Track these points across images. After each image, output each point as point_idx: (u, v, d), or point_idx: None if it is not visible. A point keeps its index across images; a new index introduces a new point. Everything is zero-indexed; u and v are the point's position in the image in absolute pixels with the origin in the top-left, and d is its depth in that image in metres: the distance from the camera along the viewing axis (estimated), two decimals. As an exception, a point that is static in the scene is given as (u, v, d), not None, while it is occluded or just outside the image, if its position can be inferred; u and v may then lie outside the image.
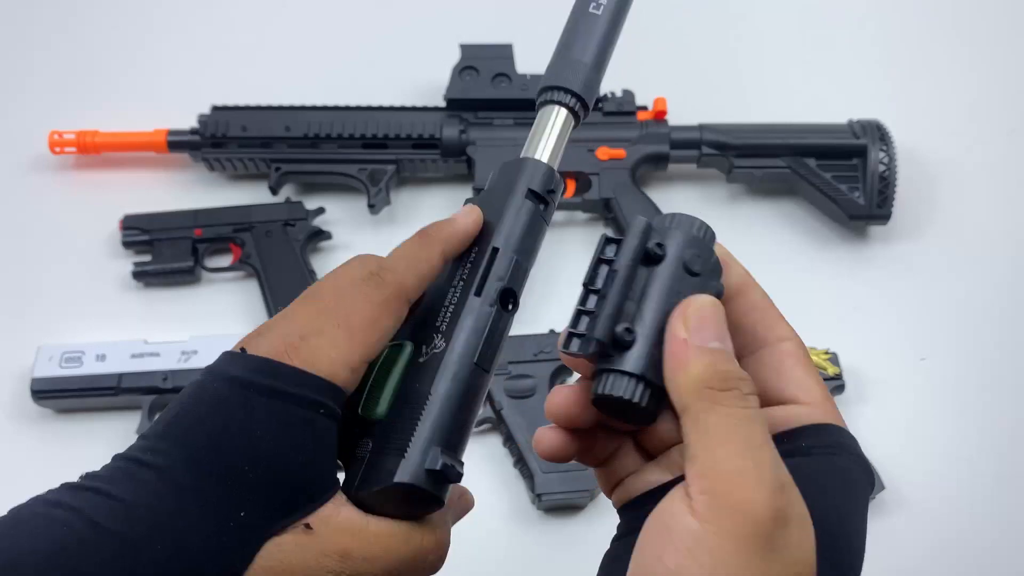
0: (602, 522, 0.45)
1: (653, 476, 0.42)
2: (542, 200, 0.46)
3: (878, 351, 0.95)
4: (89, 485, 0.37)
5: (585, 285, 0.40)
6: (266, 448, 0.38)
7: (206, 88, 1.07)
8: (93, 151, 1.03)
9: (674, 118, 1.03)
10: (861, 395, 0.93)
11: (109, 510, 0.36)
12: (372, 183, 1.01)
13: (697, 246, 0.39)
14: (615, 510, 0.44)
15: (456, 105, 1.03)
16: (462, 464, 0.41)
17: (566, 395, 0.42)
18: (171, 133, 1.02)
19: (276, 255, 0.97)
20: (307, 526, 0.38)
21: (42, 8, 1.17)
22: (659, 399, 0.38)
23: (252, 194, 1.04)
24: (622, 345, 0.38)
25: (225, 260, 1.01)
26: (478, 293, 0.44)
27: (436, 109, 1.03)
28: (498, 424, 0.89)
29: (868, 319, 0.98)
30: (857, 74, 1.14)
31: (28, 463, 0.87)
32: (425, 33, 1.14)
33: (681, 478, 0.36)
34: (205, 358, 0.88)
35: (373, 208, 1.00)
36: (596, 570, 0.42)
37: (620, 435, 0.44)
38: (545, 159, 0.47)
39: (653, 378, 0.38)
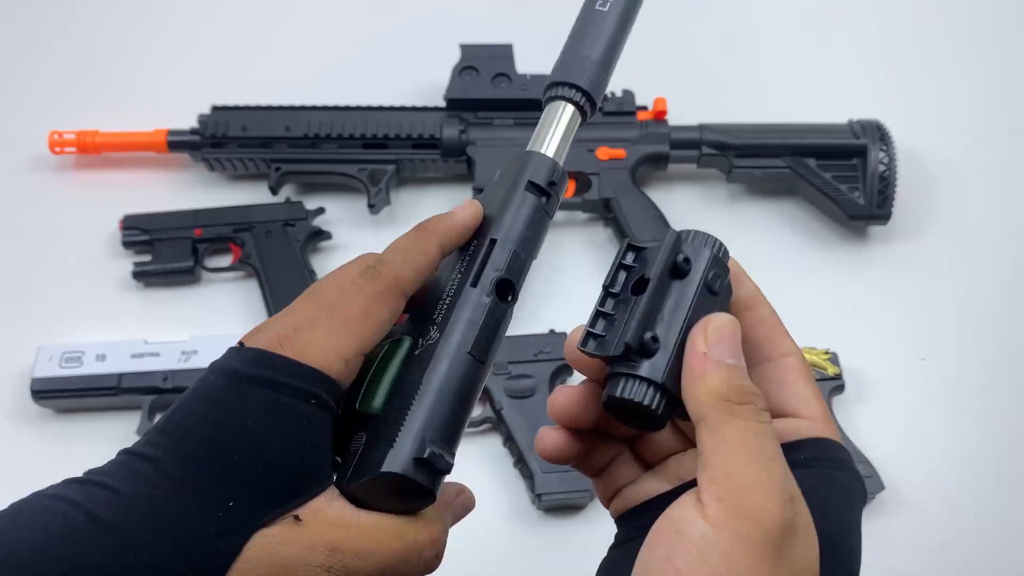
0: (602, 522, 0.45)
1: (651, 486, 0.43)
2: (544, 193, 0.46)
3: (878, 351, 0.95)
4: (90, 479, 0.37)
5: (605, 287, 0.41)
6: (259, 438, 0.38)
7: (206, 88, 1.07)
8: (93, 151, 1.03)
9: (674, 118, 1.03)
10: (861, 395, 0.93)
11: (107, 502, 0.36)
12: (372, 183, 1.01)
13: (718, 267, 0.41)
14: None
15: (456, 105, 1.03)
16: (452, 455, 0.40)
17: (570, 395, 0.43)
18: (171, 133, 1.03)
19: (276, 255, 0.97)
20: (296, 518, 0.38)
21: (42, 8, 1.17)
22: (672, 407, 0.39)
23: (252, 194, 1.04)
24: (646, 352, 0.39)
25: (225, 260, 1.01)
26: (474, 284, 0.43)
27: (436, 109, 1.03)
28: (498, 424, 0.89)
29: (868, 319, 0.98)
30: (857, 74, 1.14)
31: (28, 463, 0.87)
32: (425, 33, 1.14)
33: (682, 487, 0.37)
34: (205, 358, 0.87)
35: (373, 208, 1.00)
36: (596, 570, 0.42)
37: (619, 443, 0.44)
38: (550, 153, 0.47)
39: (671, 387, 0.39)
